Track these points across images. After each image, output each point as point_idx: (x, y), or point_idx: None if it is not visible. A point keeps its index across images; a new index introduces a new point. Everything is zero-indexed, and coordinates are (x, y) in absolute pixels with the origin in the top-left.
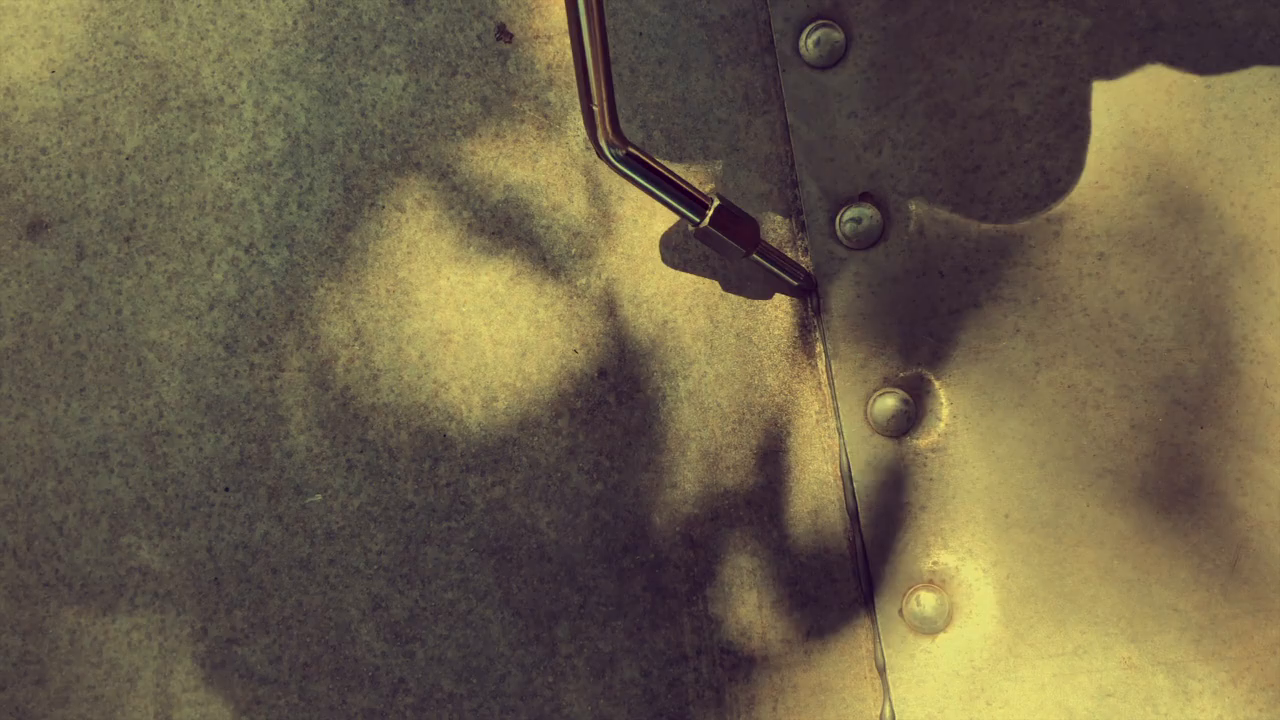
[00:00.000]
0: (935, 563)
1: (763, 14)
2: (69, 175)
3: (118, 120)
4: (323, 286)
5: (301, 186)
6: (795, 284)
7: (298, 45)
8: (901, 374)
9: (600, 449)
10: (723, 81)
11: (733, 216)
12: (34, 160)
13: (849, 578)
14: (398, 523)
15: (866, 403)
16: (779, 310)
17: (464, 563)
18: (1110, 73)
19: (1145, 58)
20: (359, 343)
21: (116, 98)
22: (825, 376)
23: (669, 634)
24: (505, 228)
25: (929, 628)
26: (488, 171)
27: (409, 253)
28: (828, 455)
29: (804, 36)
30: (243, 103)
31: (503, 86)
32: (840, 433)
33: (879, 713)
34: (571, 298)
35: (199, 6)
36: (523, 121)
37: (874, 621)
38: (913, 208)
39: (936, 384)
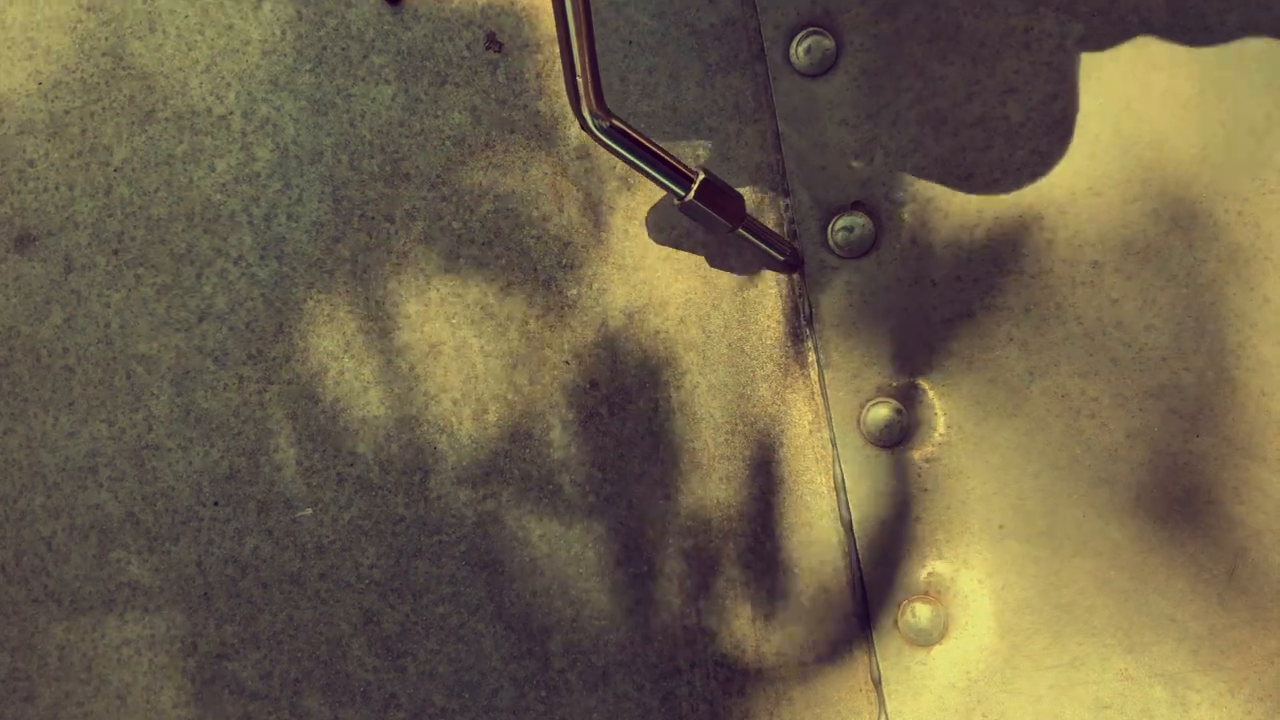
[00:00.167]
0: (930, 574)
1: (753, 22)
2: (57, 188)
3: (105, 132)
4: (312, 298)
5: (290, 198)
6: (782, 259)
7: (286, 56)
8: (894, 384)
9: (592, 461)
10: (713, 90)
11: (718, 190)
12: (21, 173)
13: (844, 590)
14: (388, 536)
15: (860, 413)
16: (771, 320)
17: (455, 576)
18: (1103, 79)
19: (1138, 64)
20: (349, 355)
21: (104, 109)
22: (818, 387)
23: (662, 647)
24: (495, 238)
25: (924, 640)
26: (477, 182)
27: (399, 264)
28: (821, 466)
29: (795, 44)
30: (231, 114)
31: (492, 96)
32: (833, 443)
33: None
34: (563, 309)
35: (186, 17)
36: (512, 131)
37: (869, 634)
38: (905, 216)
39: (930, 394)
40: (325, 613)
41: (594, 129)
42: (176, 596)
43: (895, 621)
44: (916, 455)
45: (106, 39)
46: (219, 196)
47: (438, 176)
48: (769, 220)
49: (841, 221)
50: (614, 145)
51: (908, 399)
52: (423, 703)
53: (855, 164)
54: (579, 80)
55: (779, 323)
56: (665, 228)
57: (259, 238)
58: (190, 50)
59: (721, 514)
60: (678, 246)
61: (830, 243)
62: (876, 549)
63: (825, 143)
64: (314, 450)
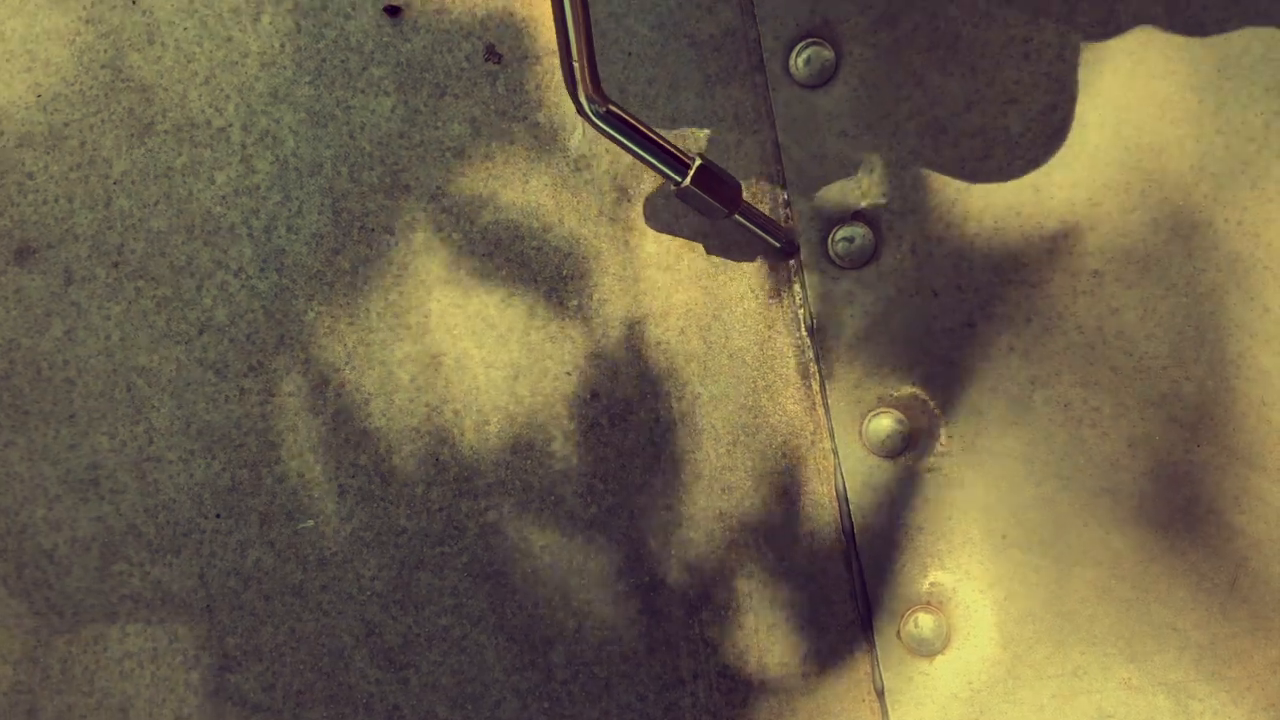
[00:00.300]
0: (933, 584)
1: (752, 33)
2: (56, 200)
3: (105, 144)
4: (313, 310)
5: (290, 210)
6: (778, 245)
7: (285, 68)
8: (896, 394)
9: (594, 472)
10: (713, 101)
11: (715, 176)
12: (21, 185)
13: (846, 600)
14: (390, 548)
15: (861, 423)
16: (772, 330)
17: (458, 588)
18: (1102, 89)
19: (1137, 73)
20: (350, 367)
21: (103, 122)
22: (820, 397)
23: (665, 658)
24: (495, 250)
25: (927, 650)
26: (477, 193)
27: (399, 275)
28: (823, 476)
29: (794, 55)
30: (230, 126)
31: (492, 107)
32: (835, 454)
33: None
34: (563, 320)
35: (185, 30)
36: (512, 143)
37: (872, 644)
38: (905, 227)
39: (931, 404)
40: (328, 624)
41: (590, 114)
42: (179, 609)
43: (898, 631)
44: (918, 465)
45: (105, 51)
46: (219, 209)
47: (437, 188)
48: None
49: (842, 232)
50: (611, 131)
51: (909, 409)
52: (426, 715)
53: (855, 174)
54: (575, 65)
55: (780, 333)
56: (666, 221)
57: (259, 250)
58: (189, 63)
59: (723, 525)
60: (679, 259)
61: (831, 253)
62: (879, 559)
63: (825, 153)
64: (316, 462)
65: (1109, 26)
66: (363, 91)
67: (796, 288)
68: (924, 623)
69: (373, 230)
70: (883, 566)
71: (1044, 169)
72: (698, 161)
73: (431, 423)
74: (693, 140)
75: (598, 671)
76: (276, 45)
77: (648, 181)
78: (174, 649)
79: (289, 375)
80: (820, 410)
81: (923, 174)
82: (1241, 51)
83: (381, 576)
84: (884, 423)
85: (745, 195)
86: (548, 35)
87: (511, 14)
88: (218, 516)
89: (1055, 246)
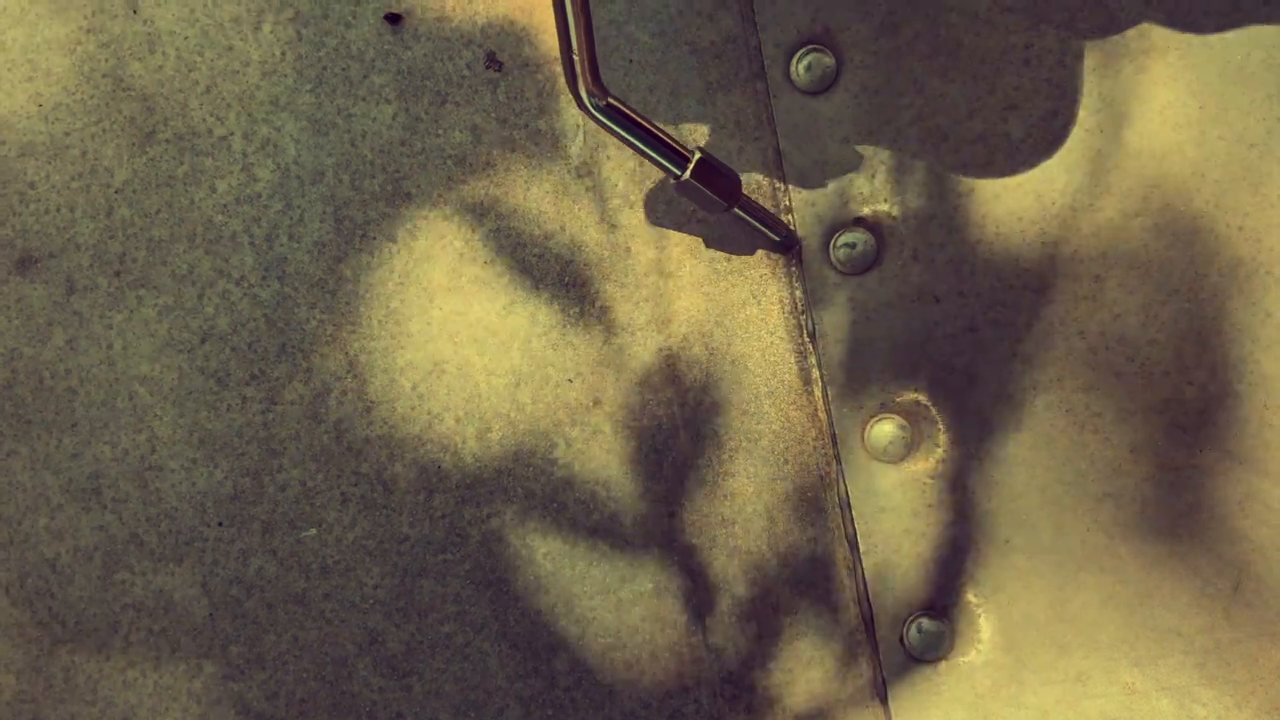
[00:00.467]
0: (936, 589)
1: (753, 40)
2: (58, 210)
3: (106, 154)
4: (315, 319)
5: (292, 218)
6: (777, 239)
7: (286, 76)
8: (898, 399)
9: (596, 479)
10: (714, 108)
11: (714, 169)
12: (22, 195)
13: (849, 605)
14: (393, 556)
15: (864, 429)
16: (774, 337)
17: (460, 595)
18: (1103, 95)
19: (1138, 80)
20: (352, 375)
21: (104, 131)
22: (822, 403)
23: (668, 665)
24: (497, 257)
25: (931, 655)
26: (479, 200)
27: (401, 283)
28: (826, 482)
29: (795, 62)
30: (231, 134)
31: (493, 115)
32: (838, 459)
33: None
34: (565, 327)
35: (186, 39)
36: (513, 150)
37: (875, 649)
38: (906, 233)
39: (933, 409)
40: (330, 633)
41: (590, 108)
42: (181, 618)
43: (901, 637)
44: (921, 470)
45: (106, 61)
46: (220, 217)
47: (439, 196)
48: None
49: (843, 238)
50: (610, 124)
51: (912, 415)
52: None
53: (857, 181)
54: (575, 59)
55: (782, 339)
56: (668, 228)
57: (261, 258)
58: (190, 72)
59: (726, 531)
60: (680, 265)
61: (832, 259)
62: (882, 564)
63: (826, 160)
64: (318, 470)
65: (1109, 32)
66: (364, 99)
67: (798, 293)
68: (927, 628)
69: (374, 238)
70: (886, 572)
71: (1045, 174)
72: (697, 155)
73: (433, 430)
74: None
75: (601, 678)
76: (277, 53)
77: (649, 188)
78: (177, 658)
79: (291, 383)
80: (822, 416)
81: (924, 180)
82: (1243, 58)
83: (384, 584)
84: (886, 428)
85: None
86: (548, 43)
87: (512, 22)
88: (220, 525)
89: (1057, 252)
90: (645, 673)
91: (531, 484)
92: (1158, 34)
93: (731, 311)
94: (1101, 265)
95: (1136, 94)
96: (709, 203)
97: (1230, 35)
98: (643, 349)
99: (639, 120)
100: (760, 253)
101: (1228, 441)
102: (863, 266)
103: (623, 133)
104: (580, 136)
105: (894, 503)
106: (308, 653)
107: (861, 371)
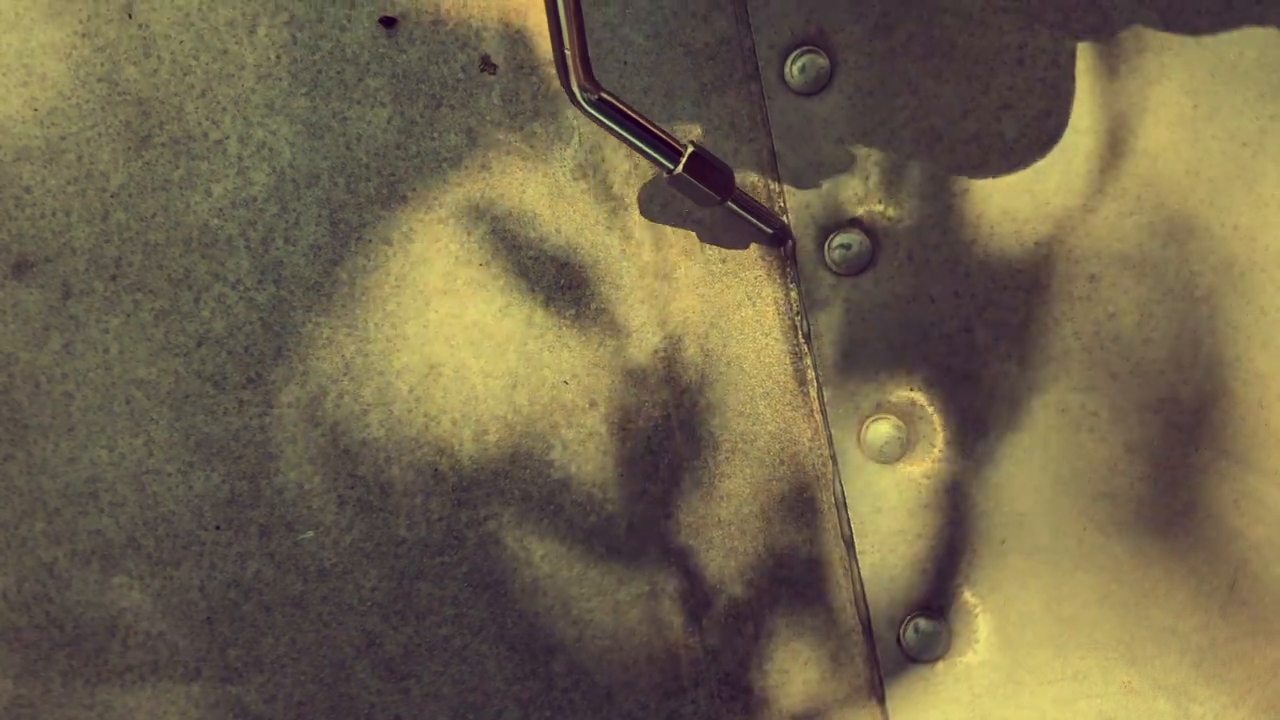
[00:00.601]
0: (932, 589)
1: (747, 41)
2: (53, 214)
3: (101, 158)
4: (311, 322)
5: (287, 221)
6: (770, 232)
7: (281, 80)
8: (894, 400)
9: (593, 481)
10: (708, 109)
11: (707, 163)
12: (18, 199)
13: (846, 606)
14: (390, 558)
15: (860, 429)
16: (770, 338)
17: (458, 598)
18: (1097, 95)
19: (1132, 79)
20: (348, 377)
21: (100, 135)
22: (817, 404)
23: (666, 666)
24: (493, 260)
25: (928, 656)
26: (474, 203)
27: (397, 286)
28: (822, 483)
29: (789, 63)
30: (227, 138)
31: (488, 118)
32: (834, 460)
33: None
34: (561, 329)
35: (181, 43)
36: (509, 153)
37: (872, 650)
38: (902, 233)
39: (929, 409)
40: (328, 635)
41: (582, 102)
42: (179, 621)
43: (898, 638)
44: (917, 471)
45: (101, 65)
46: (216, 221)
47: (434, 199)
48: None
49: (838, 239)
50: (603, 118)
51: (907, 415)
52: None
53: (851, 182)
54: (567, 54)
55: (777, 340)
56: (663, 229)
57: (256, 262)
58: (185, 75)
59: (722, 532)
60: (675, 267)
61: (827, 260)
62: (878, 564)
63: (821, 161)
64: (315, 473)
65: (1103, 32)
66: (359, 103)
67: (794, 295)
68: (924, 628)
69: (370, 241)
70: (882, 572)
71: (1039, 174)
72: (690, 148)
73: (430, 433)
74: None
75: (599, 680)
76: (272, 57)
77: (644, 189)
78: (175, 661)
79: (287, 387)
80: (818, 417)
81: (919, 180)
82: (1236, 56)
83: (382, 587)
84: (882, 429)
85: None
86: (542, 46)
87: (506, 25)
88: (217, 528)
89: (1051, 251)
90: (643, 674)
91: (528, 486)
92: (1151, 33)
93: (727, 313)
94: (1096, 264)
95: (1130, 93)
96: (703, 197)
97: (1223, 34)
98: (638, 351)
99: (632, 115)
100: (756, 254)
101: (1223, 440)
102: (858, 267)
103: (616, 127)
104: (575, 139)
105: (890, 503)
106: (306, 655)
107: (857, 372)
